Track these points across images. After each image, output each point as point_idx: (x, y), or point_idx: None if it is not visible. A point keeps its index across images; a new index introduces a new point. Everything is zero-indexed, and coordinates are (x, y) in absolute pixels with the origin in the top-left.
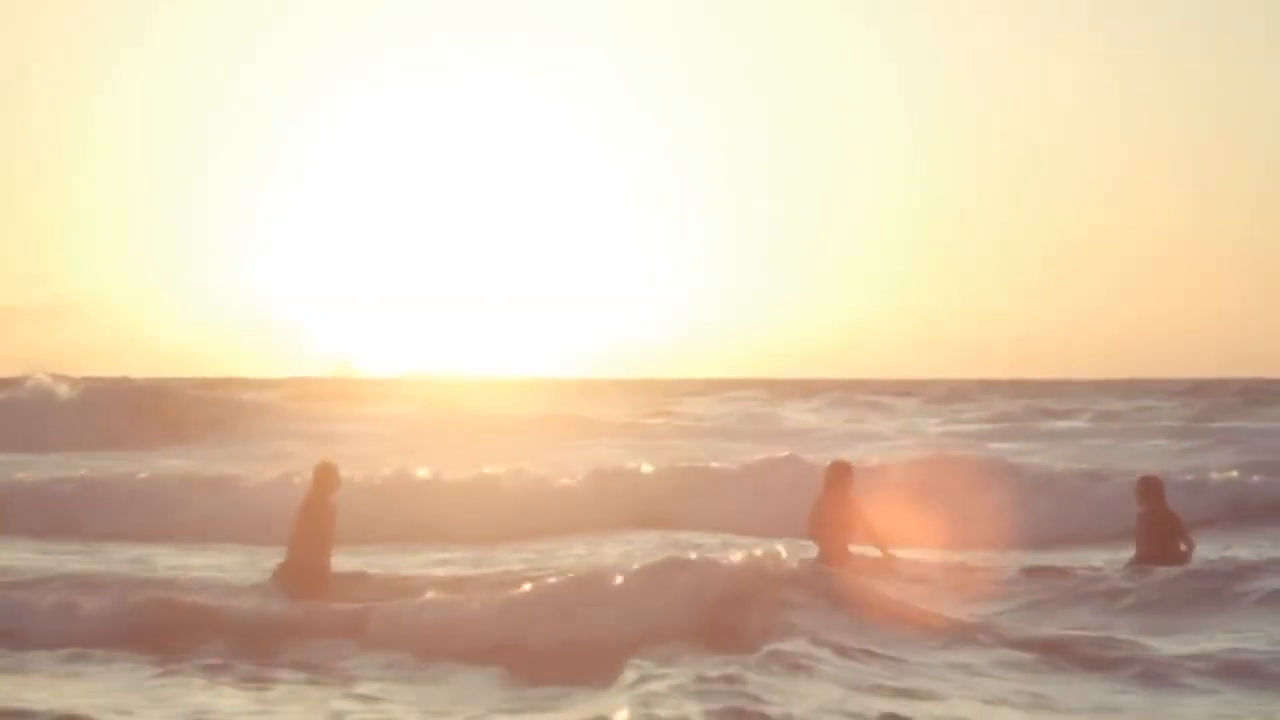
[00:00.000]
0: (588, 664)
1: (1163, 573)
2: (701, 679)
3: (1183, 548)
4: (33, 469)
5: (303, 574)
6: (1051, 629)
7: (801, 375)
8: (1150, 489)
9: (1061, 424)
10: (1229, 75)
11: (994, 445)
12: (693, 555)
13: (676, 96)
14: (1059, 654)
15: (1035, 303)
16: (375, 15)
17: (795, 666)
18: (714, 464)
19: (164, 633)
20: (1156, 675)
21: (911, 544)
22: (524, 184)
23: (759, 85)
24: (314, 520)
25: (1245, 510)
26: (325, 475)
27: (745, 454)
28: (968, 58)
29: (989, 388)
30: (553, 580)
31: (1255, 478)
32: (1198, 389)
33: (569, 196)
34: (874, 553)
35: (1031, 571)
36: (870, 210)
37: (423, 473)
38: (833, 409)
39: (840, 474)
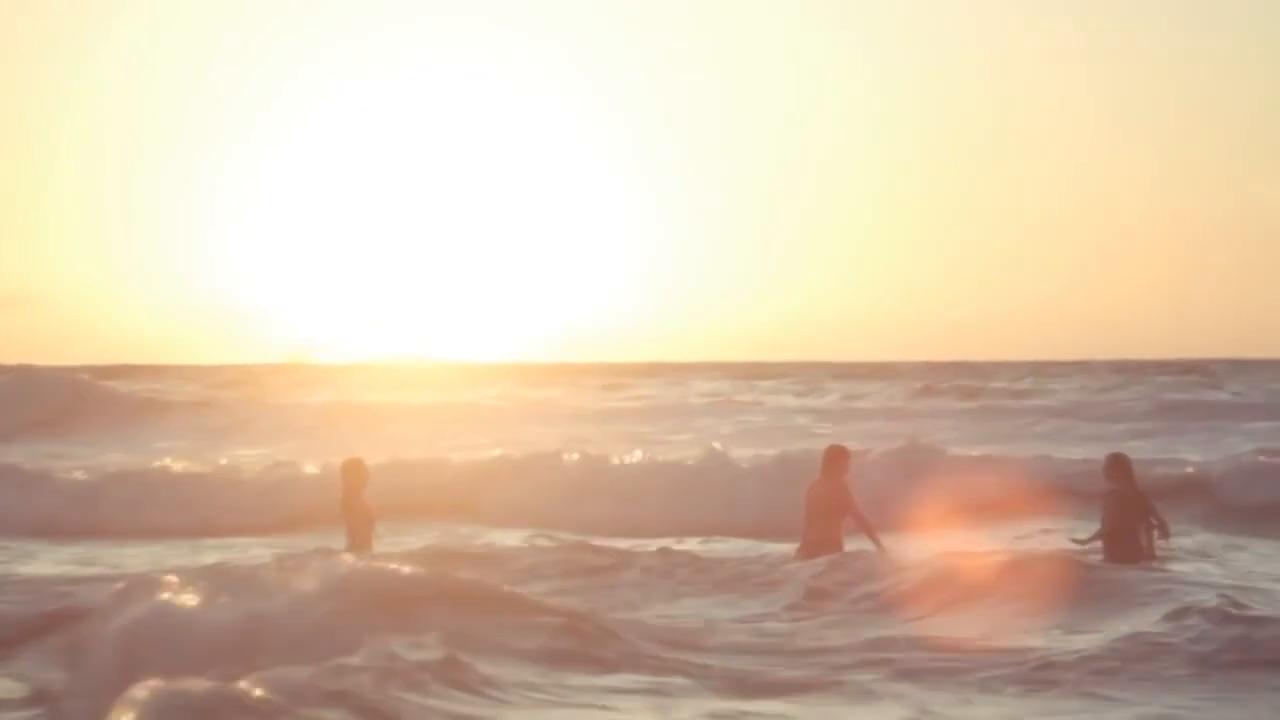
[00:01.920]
0: None
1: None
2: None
3: (1154, 522)
4: None
5: None
6: None
7: (767, 358)
8: (1119, 466)
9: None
10: (1195, 58)
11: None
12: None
13: (631, 81)
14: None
15: (995, 284)
16: (331, 7)
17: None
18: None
19: None
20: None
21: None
22: (480, 172)
23: (713, 64)
24: (353, 518)
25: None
26: (353, 472)
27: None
28: (926, 34)
29: (932, 370)
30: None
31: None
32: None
33: (525, 183)
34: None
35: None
36: (826, 194)
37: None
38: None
39: (836, 458)
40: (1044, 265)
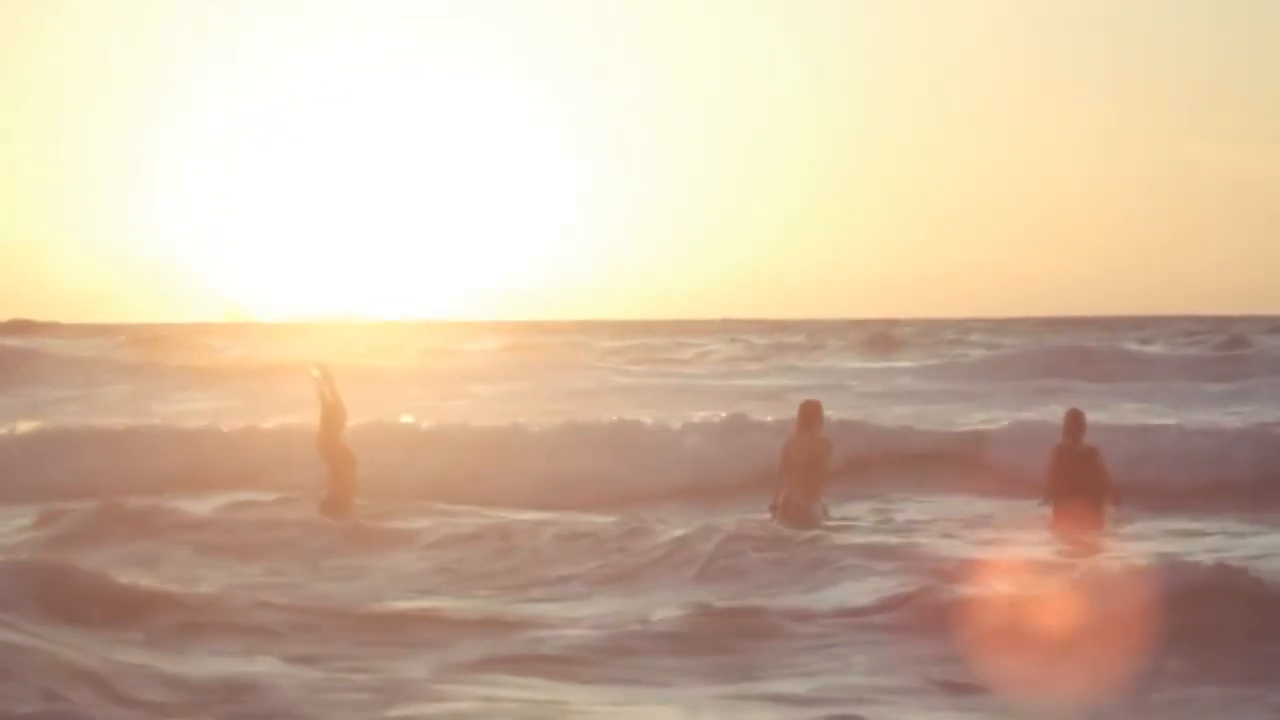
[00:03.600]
0: None
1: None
2: None
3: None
4: None
5: (335, 506)
6: None
7: (712, 315)
8: (1071, 422)
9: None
10: (1135, 20)
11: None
12: None
13: (563, 42)
14: None
15: (933, 244)
16: None
17: None
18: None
19: None
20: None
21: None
22: (416, 129)
23: (647, 23)
24: (335, 460)
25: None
26: (331, 418)
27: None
28: None
29: (856, 327)
30: None
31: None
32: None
33: (460, 145)
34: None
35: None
36: (763, 153)
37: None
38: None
39: (813, 412)
40: (982, 224)
